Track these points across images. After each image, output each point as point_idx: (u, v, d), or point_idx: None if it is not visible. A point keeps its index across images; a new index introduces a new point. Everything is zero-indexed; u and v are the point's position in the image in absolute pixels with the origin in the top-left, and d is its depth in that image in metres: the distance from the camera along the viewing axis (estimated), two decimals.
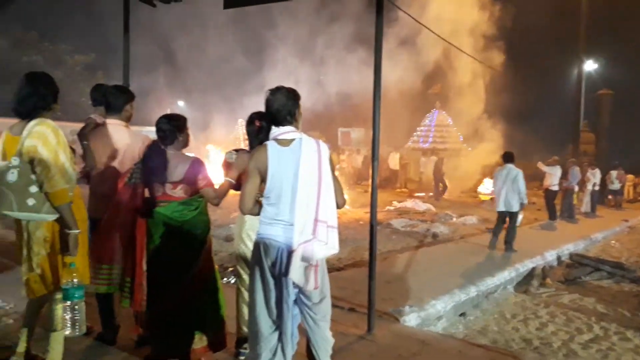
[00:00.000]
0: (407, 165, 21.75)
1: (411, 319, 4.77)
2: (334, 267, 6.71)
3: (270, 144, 2.66)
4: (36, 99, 2.80)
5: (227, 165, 3.36)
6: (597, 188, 14.89)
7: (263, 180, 2.66)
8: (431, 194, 17.64)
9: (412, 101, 22.17)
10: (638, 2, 23.03)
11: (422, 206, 13.82)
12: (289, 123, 2.71)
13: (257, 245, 2.71)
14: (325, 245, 2.62)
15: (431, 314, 5.09)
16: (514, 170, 8.23)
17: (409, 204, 14.06)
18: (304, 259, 2.57)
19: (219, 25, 21.34)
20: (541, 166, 12.71)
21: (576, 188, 13.60)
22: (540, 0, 21.76)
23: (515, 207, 8.23)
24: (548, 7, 22.06)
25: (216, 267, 3.46)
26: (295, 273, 2.58)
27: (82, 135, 3.51)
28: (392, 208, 13.74)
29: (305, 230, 2.59)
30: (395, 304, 4.98)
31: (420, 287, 5.71)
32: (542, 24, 22.72)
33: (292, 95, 2.76)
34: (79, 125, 3.80)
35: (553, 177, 12.40)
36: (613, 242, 11.37)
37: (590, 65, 28.11)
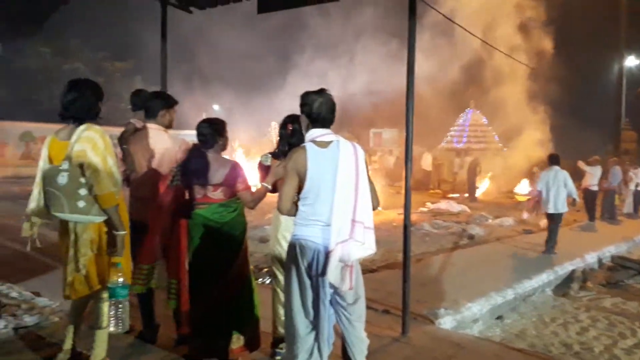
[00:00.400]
0: (440, 166, 21.47)
1: (446, 322, 4.72)
2: (367, 268, 6.69)
3: (309, 146, 2.70)
4: (81, 104, 2.92)
5: (262, 168, 3.42)
6: None
7: (301, 181, 2.69)
8: (466, 195, 17.38)
9: (445, 100, 21.86)
10: None
11: (456, 207, 13.63)
12: (329, 126, 2.77)
13: (292, 246, 2.75)
14: (362, 245, 2.66)
15: (467, 316, 5.03)
16: (561, 173, 8.31)
17: (443, 205, 13.88)
18: (341, 259, 2.60)
19: (251, 29, 21.63)
20: (582, 165, 12.35)
21: (617, 189, 13.18)
22: None
23: (562, 209, 8.27)
24: (588, 1, 21.41)
25: (251, 267, 3.53)
26: (332, 273, 2.61)
27: (122, 139, 3.64)
28: (425, 209, 13.61)
29: (342, 231, 2.62)
30: (429, 307, 4.94)
31: (456, 290, 5.64)
32: (581, 18, 22.04)
33: (333, 99, 2.81)
34: (118, 130, 3.94)
35: (593, 177, 12.05)
36: None
37: (631, 61, 27.17)
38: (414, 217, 11.88)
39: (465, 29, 7.79)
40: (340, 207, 2.62)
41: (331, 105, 2.77)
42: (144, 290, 3.50)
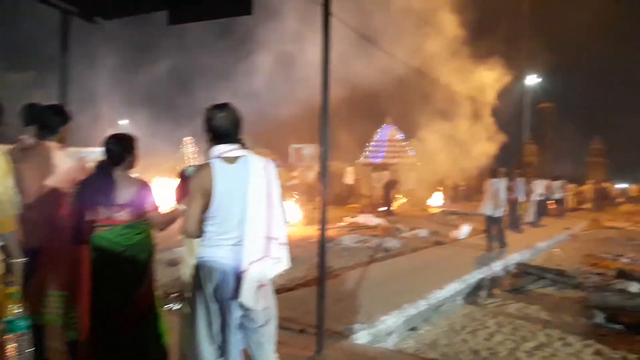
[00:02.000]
0: (358, 181, 21.93)
1: (362, 337, 4.75)
2: (284, 287, 6.63)
3: (216, 162, 2.61)
4: None
5: (184, 180, 3.24)
6: (541, 198, 15.51)
7: (207, 199, 2.59)
8: (382, 209, 17.89)
9: (365, 115, 22.43)
10: (576, 19, 24.35)
11: (374, 221, 13.95)
12: (236, 141, 2.69)
13: (198, 268, 2.63)
14: (279, 261, 2.62)
15: (382, 330, 5.08)
16: (496, 184, 10.08)
17: (361, 219, 14.17)
18: (257, 278, 2.53)
19: (161, 43, 21.04)
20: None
21: (521, 199, 14.13)
22: (485, 14, 22.62)
23: (498, 214, 9.96)
24: (492, 22, 22.96)
25: (158, 293, 3.34)
26: (247, 294, 2.53)
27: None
28: (344, 224, 13.79)
29: (257, 249, 2.56)
30: (346, 322, 4.94)
31: (372, 303, 5.71)
32: (485, 36, 23.57)
33: (239, 113, 2.75)
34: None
35: None
36: (556, 250, 11.83)
37: (532, 80, 29.57)
38: (332, 232, 11.98)
39: (380, 47, 8.03)
40: (253, 224, 2.56)
41: (235, 120, 2.70)
42: (54, 321, 3.16)
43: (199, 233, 2.66)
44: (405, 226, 13.33)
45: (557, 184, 18.27)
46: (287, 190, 16.28)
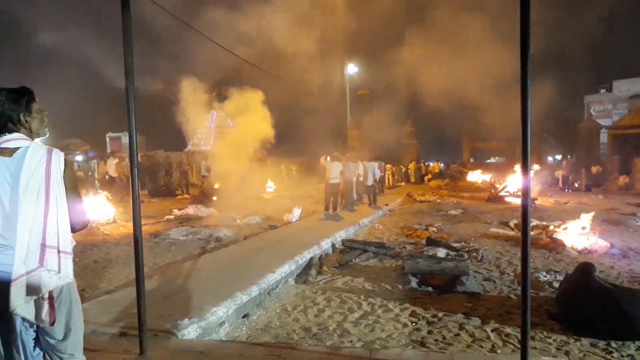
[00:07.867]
0: (187, 171, 21.17)
1: (191, 332, 4.52)
2: (103, 290, 6.03)
3: None
4: None
5: None
6: (361, 179, 16.72)
7: None
8: (215, 198, 17.59)
9: (194, 102, 21.87)
10: (389, 16, 26.45)
11: (205, 211, 13.57)
12: (12, 130, 2.31)
13: None
14: (56, 274, 2.28)
15: (212, 322, 4.91)
16: (373, 164, 16.91)
17: (191, 210, 13.67)
18: (30, 291, 2.18)
19: None
20: (323, 162, 13.73)
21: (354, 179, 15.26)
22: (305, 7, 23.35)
23: (370, 182, 16.38)
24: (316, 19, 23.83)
25: None
26: (21, 307, 2.19)
27: None
28: (172, 217, 13.16)
29: (30, 258, 2.20)
30: (173, 319, 4.67)
31: (201, 296, 5.49)
32: (309, 32, 24.40)
33: (14, 97, 2.34)
34: None
35: (332, 171, 13.53)
36: (377, 224, 12.85)
37: (352, 69, 31.64)
38: (159, 226, 11.36)
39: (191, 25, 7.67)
40: (26, 228, 2.20)
41: (11, 104, 2.32)
42: None
43: None
44: (238, 214, 13.22)
45: (376, 164, 19.90)
46: (104, 183, 14.99)
